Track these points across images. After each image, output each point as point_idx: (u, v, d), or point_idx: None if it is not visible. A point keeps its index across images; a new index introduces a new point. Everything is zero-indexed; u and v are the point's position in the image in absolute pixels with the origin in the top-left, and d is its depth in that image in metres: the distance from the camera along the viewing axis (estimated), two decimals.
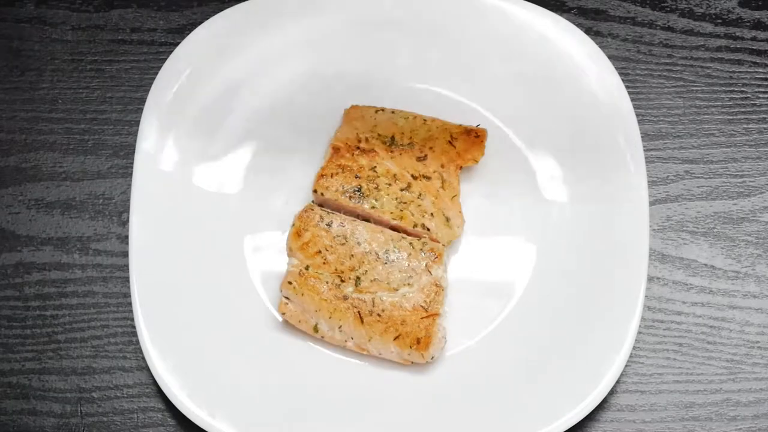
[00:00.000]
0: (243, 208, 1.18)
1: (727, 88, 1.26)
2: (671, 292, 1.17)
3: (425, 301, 1.11)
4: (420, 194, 1.16)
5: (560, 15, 1.24)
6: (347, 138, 1.18)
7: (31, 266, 1.18)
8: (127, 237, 1.16)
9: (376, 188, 1.16)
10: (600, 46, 1.22)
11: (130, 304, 1.13)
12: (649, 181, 1.17)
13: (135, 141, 1.19)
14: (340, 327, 1.11)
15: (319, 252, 1.13)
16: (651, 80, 1.26)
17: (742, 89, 1.26)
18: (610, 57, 1.22)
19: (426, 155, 1.18)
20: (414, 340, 1.10)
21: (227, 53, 1.21)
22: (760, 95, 1.25)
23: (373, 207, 1.15)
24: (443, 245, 1.14)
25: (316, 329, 1.12)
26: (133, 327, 1.12)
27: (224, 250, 1.16)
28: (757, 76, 1.26)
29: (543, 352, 1.12)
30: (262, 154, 1.20)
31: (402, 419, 1.09)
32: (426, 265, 1.13)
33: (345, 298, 1.11)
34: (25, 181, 1.22)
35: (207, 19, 1.22)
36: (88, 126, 1.24)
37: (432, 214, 1.16)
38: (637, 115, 1.20)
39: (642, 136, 1.19)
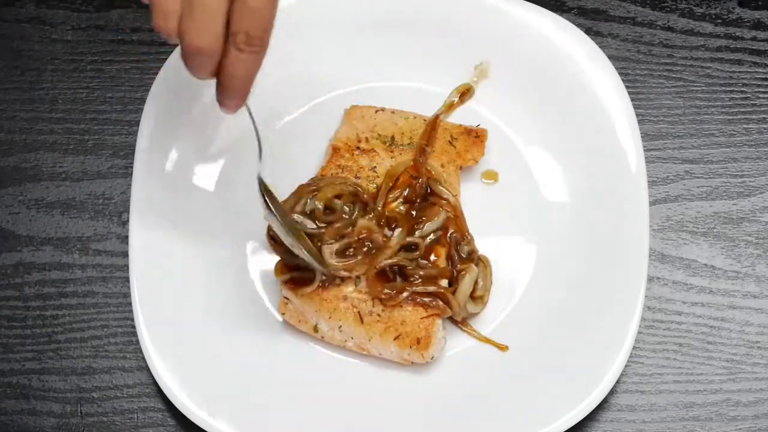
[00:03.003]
0: (243, 209, 1.18)
1: (727, 88, 1.26)
2: (671, 292, 1.17)
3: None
4: None
5: (560, 15, 1.24)
6: (347, 138, 1.18)
7: (31, 266, 1.18)
8: (127, 237, 1.16)
9: (375, 188, 1.15)
10: (600, 46, 1.22)
11: (130, 304, 1.13)
12: (649, 181, 1.17)
13: (135, 141, 1.19)
14: (340, 327, 1.11)
15: None
16: (651, 80, 1.26)
17: (742, 89, 1.26)
18: (610, 57, 1.22)
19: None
20: (414, 340, 1.10)
21: None
22: (760, 95, 1.25)
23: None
24: (443, 245, 1.14)
25: (316, 329, 1.12)
26: (133, 327, 1.12)
27: (224, 250, 1.16)
28: (757, 76, 1.26)
29: (543, 352, 1.12)
30: (262, 153, 1.20)
31: (402, 419, 1.09)
32: None
33: (345, 298, 1.11)
34: (25, 181, 1.22)
35: None
36: (88, 126, 1.24)
37: None
38: (637, 115, 1.20)
39: (642, 136, 1.19)
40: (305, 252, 1.07)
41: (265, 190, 1.07)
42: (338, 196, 1.12)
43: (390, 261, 1.10)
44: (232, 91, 0.98)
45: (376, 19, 1.23)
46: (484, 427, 1.08)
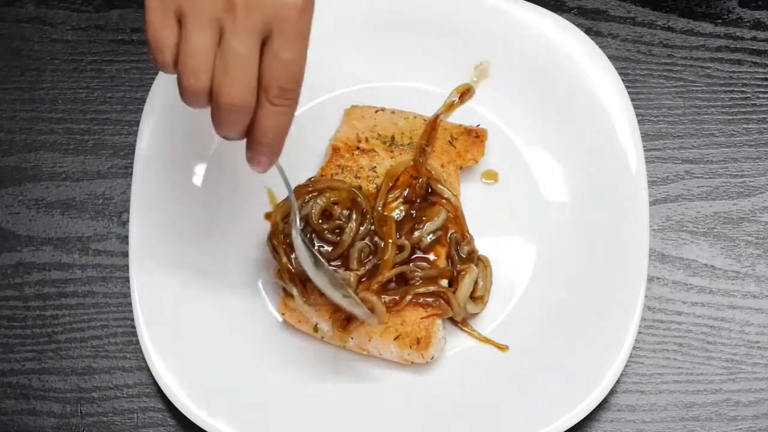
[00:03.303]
0: (243, 208, 1.18)
1: (727, 88, 1.26)
2: (671, 292, 1.17)
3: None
4: None
5: (560, 15, 1.24)
6: (347, 138, 1.18)
7: (31, 266, 1.18)
8: (127, 237, 1.16)
9: (375, 188, 1.15)
10: (600, 46, 1.22)
11: (130, 304, 1.13)
12: (649, 181, 1.17)
13: (135, 141, 1.19)
14: None
15: None
16: (651, 80, 1.26)
17: (742, 89, 1.26)
18: (610, 57, 1.22)
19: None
20: (414, 340, 1.10)
21: None
22: (760, 95, 1.25)
23: None
24: (443, 245, 1.14)
25: (316, 329, 1.12)
26: (133, 327, 1.12)
27: (224, 249, 1.16)
28: (757, 76, 1.26)
29: (543, 352, 1.12)
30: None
31: (402, 419, 1.09)
32: None
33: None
34: (25, 181, 1.22)
35: None
36: (88, 126, 1.24)
37: None
38: (637, 115, 1.20)
39: (642, 136, 1.19)
40: (353, 301, 1.06)
41: (308, 245, 1.06)
42: (336, 203, 1.11)
43: (388, 275, 1.10)
44: (265, 147, 0.97)
45: (376, 19, 1.23)
46: (484, 427, 1.08)
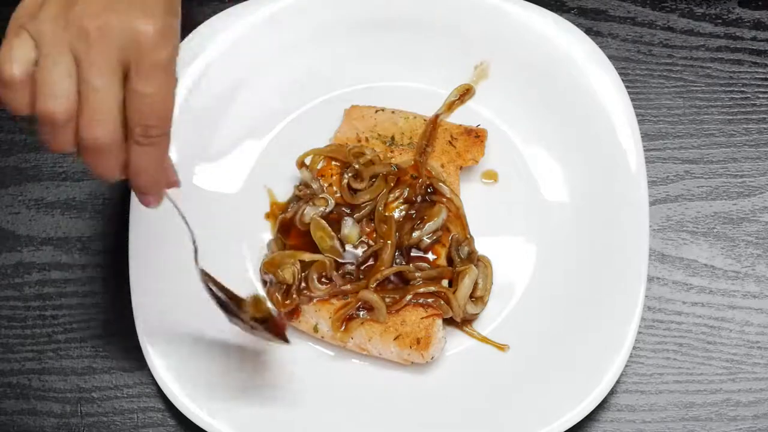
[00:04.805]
0: (243, 208, 1.18)
1: (727, 88, 1.26)
2: (671, 292, 1.17)
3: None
4: None
5: (560, 15, 1.24)
6: (347, 138, 1.18)
7: (31, 266, 1.18)
8: (127, 237, 1.16)
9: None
10: (600, 46, 1.22)
11: (130, 304, 1.13)
12: (649, 181, 1.17)
13: None
14: None
15: None
16: (651, 80, 1.26)
17: (742, 89, 1.25)
18: (610, 57, 1.22)
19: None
20: (414, 340, 1.10)
21: (227, 53, 1.21)
22: (760, 95, 1.25)
23: None
24: (443, 245, 1.14)
25: (316, 329, 1.12)
26: (133, 327, 1.12)
27: (224, 249, 1.16)
28: (757, 76, 1.26)
29: (543, 352, 1.12)
30: (261, 153, 1.20)
31: (402, 419, 1.09)
32: None
33: (345, 297, 1.11)
34: (25, 181, 1.22)
35: (206, 19, 1.22)
36: None
37: None
38: (637, 115, 1.20)
39: (642, 136, 1.19)
40: (257, 332, 1.05)
41: (214, 284, 1.04)
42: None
43: (386, 272, 1.10)
44: (143, 187, 0.92)
45: (376, 19, 1.23)
46: (484, 427, 1.08)
